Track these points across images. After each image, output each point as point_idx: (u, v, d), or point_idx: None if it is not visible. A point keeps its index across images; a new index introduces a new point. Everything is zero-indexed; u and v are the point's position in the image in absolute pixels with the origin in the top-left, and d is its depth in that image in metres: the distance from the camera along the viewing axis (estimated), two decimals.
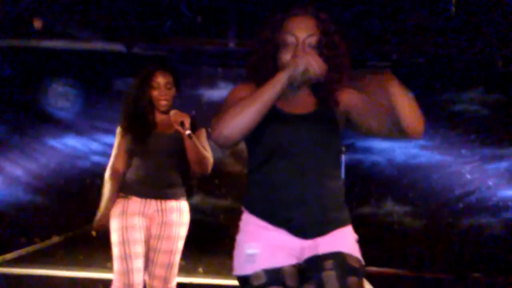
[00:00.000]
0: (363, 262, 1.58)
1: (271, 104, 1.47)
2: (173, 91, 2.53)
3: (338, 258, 1.51)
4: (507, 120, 5.02)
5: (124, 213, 2.39)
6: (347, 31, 4.22)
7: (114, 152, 2.55)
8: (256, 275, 1.52)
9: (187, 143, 2.36)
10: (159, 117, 2.52)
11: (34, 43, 4.97)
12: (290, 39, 1.55)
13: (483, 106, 5.08)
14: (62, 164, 5.32)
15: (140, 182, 2.43)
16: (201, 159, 2.42)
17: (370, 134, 1.66)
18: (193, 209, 2.60)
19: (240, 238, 1.62)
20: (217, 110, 1.60)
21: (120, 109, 2.59)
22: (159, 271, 2.43)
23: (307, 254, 1.55)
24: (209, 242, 4.32)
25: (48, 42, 5.00)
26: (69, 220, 5.05)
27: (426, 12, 4.09)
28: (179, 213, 2.46)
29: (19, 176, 5.28)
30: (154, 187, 2.43)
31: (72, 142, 5.37)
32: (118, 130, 2.57)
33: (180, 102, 2.63)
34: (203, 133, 2.57)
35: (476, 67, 4.94)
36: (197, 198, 4.91)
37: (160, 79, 2.47)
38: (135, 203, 2.41)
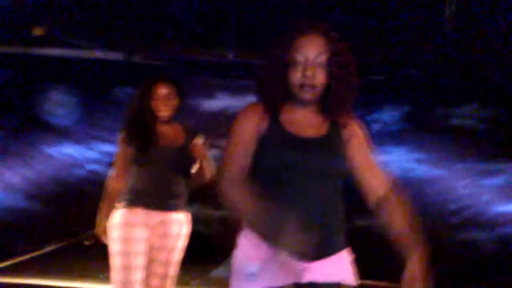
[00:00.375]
0: (357, 283, 1.63)
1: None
2: (175, 102, 2.51)
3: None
4: (503, 135, 5.05)
5: (126, 223, 2.37)
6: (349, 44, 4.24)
7: (116, 161, 2.55)
8: None
9: (197, 169, 2.47)
10: (162, 128, 2.51)
11: (34, 50, 5.00)
12: (300, 58, 1.54)
13: (479, 120, 5.11)
14: (59, 172, 5.32)
15: (144, 193, 2.42)
16: (204, 180, 2.52)
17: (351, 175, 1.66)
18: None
19: (240, 255, 1.63)
20: (225, 134, 1.65)
21: (123, 117, 2.61)
22: (155, 282, 2.42)
23: (307, 275, 1.58)
24: (204, 253, 4.31)
25: (48, 50, 5.03)
26: (65, 228, 5.04)
27: (422, 26, 4.13)
28: (180, 225, 2.47)
29: (15, 183, 5.27)
30: (158, 198, 2.43)
31: (69, 150, 5.37)
32: (120, 137, 2.55)
33: (178, 112, 2.63)
34: (205, 145, 2.59)
35: (472, 82, 4.98)
36: (192, 208, 4.88)
37: (161, 90, 2.47)
38: (138, 214, 2.40)
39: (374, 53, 4.45)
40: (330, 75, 1.55)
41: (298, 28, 1.58)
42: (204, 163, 2.48)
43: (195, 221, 2.57)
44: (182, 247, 2.49)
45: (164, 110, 2.47)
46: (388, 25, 4.14)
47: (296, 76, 1.54)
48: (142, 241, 2.37)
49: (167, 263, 2.43)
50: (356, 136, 1.63)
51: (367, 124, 1.94)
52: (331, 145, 1.59)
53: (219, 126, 5.25)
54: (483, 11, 3.97)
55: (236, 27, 4.40)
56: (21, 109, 5.37)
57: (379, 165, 1.62)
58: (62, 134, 5.39)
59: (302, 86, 1.54)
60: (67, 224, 5.07)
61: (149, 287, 2.42)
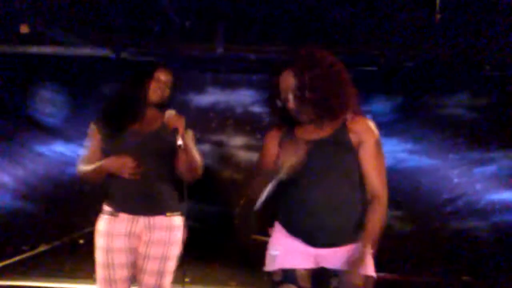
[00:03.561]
0: (371, 275, 1.89)
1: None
2: (168, 92, 2.40)
3: (344, 277, 1.81)
4: (495, 124, 5.04)
5: (110, 233, 2.25)
6: (339, 35, 4.25)
7: (85, 152, 2.40)
8: (275, 273, 1.91)
9: (179, 151, 2.21)
10: (147, 114, 2.36)
11: (21, 49, 4.94)
12: (282, 94, 1.93)
13: (471, 110, 5.10)
14: (51, 170, 5.27)
15: (125, 195, 2.26)
16: (194, 167, 2.28)
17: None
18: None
19: (270, 241, 2.01)
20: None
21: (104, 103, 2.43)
22: None
23: (321, 261, 1.88)
24: (197, 250, 4.27)
25: (36, 48, 4.97)
26: (58, 228, 5.01)
27: (412, 16, 4.11)
28: (168, 230, 2.28)
29: (6, 182, 5.23)
30: (141, 201, 2.25)
31: (60, 149, 5.32)
32: (92, 127, 2.40)
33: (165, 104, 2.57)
34: (190, 135, 2.43)
35: (463, 71, 4.96)
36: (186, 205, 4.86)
37: (162, 75, 2.36)
38: (122, 221, 2.26)
39: (364, 44, 4.44)
40: (299, 99, 1.87)
41: (276, 69, 1.95)
42: (186, 141, 2.21)
43: (187, 216, 2.47)
44: (174, 255, 2.31)
45: (158, 95, 2.34)
46: (377, 14, 4.11)
47: (287, 107, 1.92)
48: (125, 252, 2.25)
49: (155, 273, 2.26)
50: (367, 142, 1.92)
51: None
52: (332, 144, 1.90)
53: (210, 121, 5.23)
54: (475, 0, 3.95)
55: (225, 21, 4.36)
56: (10, 109, 5.32)
57: (383, 167, 1.95)
58: (53, 133, 5.34)
59: (294, 114, 1.92)
60: (60, 223, 5.04)
61: None
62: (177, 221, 2.34)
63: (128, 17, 4.34)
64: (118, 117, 2.31)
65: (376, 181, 1.90)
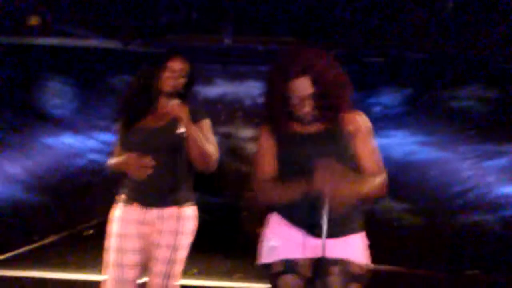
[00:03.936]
0: (369, 266, 1.89)
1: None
2: (184, 81, 2.35)
3: (344, 265, 1.84)
4: (506, 117, 4.99)
5: (122, 219, 2.29)
6: (346, 27, 4.21)
7: (114, 150, 2.45)
8: (276, 264, 1.89)
9: (187, 139, 2.20)
10: (161, 108, 2.33)
11: (29, 40, 4.94)
12: (295, 99, 1.90)
13: (482, 102, 5.05)
14: (59, 162, 5.30)
15: (138, 188, 2.29)
16: (204, 156, 2.26)
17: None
18: None
19: (265, 232, 1.99)
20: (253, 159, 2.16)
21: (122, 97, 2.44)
22: (154, 279, 2.27)
23: (321, 251, 1.83)
24: (204, 241, 4.27)
25: (44, 40, 4.97)
26: (66, 219, 5.04)
27: (424, 8, 4.06)
28: (180, 220, 2.27)
29: (15, 174, 5.26)
30: (154, 193, 2.27)
31: (69, 140, 5.35)
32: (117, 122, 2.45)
33: (182, 94, 2.54)
34: (206, 124, 2.39)
35: (475, 64, 4.91)
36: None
37: (175, 64, 2.32)
38: (134, 210, 2.29)
39: (374, 35, 4.39)
40: (316, 103, 1.90)
41: (288, 72, 1.89)
42: (190, 130, 2.19)
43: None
44: (184, 245, 2.30)
45: (172, 82, 2.31)
46: (390, 7, 4.07)
47: (298, 111, 1.92)
48: (137, 238, 2.27)
49: (165, 261, 2.25)
50: (359, 132, 1.96)
51: (368, 108, 2.04)
52: (330, 136, 1.92)
53: (218, 113, 5.22)
54: None
55: (232, 12, 4.33)
56: (19, 100, 5.34)
57: (376, 153, 1.97)
58: (61, 124, 5.36)
59: (304, 117, 1.94)
60: (68, 215, 5.07)
61: (150, 286, 2.28)
62: (189, 211, 2.34)
63: (136, 8, 4.32)
64: (128, 111, 2.34)
65: (372, 166, 1.93)
